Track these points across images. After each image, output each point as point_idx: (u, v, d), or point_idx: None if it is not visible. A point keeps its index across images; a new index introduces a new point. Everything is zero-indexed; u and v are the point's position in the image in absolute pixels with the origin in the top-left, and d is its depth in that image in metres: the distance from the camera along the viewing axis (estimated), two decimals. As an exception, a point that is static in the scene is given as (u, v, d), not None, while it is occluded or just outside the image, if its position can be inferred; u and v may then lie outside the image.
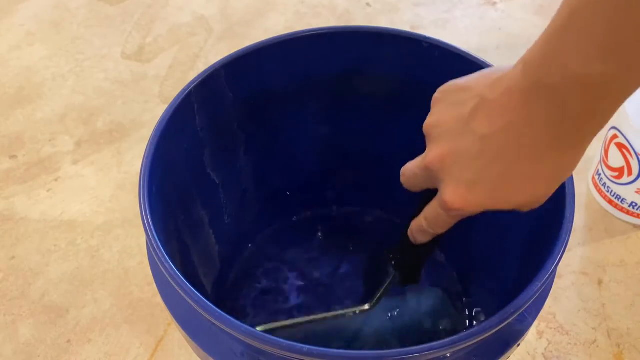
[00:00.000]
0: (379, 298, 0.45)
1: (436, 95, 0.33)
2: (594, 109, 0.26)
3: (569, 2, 0.25)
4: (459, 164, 0.31)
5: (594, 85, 0.25)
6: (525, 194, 0.30)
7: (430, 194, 0.35)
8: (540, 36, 0.27)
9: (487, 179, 0.30)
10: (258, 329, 0.45)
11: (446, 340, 0.30)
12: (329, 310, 0.49)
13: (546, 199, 0.31)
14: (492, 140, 0.29)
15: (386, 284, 0.44)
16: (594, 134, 0.28)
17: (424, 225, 0.36)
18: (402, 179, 0.37)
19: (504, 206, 0.31)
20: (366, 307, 0.46)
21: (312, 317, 0.47)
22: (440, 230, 0.36)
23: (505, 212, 0.31)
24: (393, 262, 0.43)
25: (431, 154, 0.32)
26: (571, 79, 0.25)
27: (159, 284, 0.40)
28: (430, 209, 0.35)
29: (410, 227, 0.38)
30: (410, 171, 0.35)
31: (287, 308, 0.54)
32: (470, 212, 0.32)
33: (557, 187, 0.30)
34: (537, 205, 0.31)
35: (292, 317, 0.54)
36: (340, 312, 0.46)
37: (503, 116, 0.28)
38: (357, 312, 0.46)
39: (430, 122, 0.33)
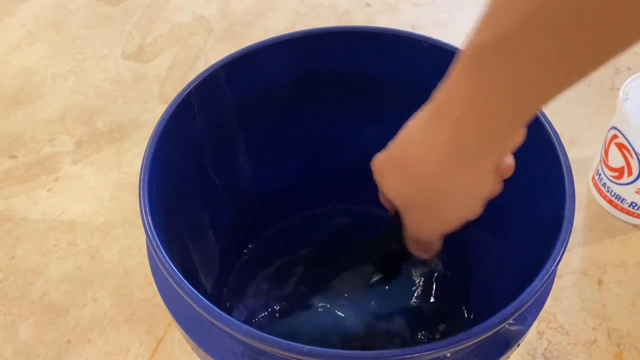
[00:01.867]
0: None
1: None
2: (491, 95, 0.27)
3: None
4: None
5: (483, 55, 0.26)
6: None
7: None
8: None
9: (390, 149, 0.34)
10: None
11: (446, 340, 0.30)
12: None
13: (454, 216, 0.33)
14: (409, 124, 0.33)
15: (370, 282, 0.47)
16: (493, 140, 0.29)
17: (414, 237, 0.38)
18: (380, 197, 0.39)
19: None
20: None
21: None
22: (426, 235, 0.37)
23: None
24: (375, 261, 0.45)
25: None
26: (467, 51, 0.27)
27: (159, 284, 0.40)
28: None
29: (410, 247, 0.39)
30: (381, 194, 0.38)
31: (287, 308, 0.54)
32: (375, 175, 0.35)
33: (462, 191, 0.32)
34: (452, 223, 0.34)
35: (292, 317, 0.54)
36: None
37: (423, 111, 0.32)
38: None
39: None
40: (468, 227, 0.36)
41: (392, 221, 0.38)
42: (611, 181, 0.64)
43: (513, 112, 0.27)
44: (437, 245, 0.38)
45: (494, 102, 0.27)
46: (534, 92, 0.27)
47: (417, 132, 0.31)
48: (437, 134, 0.30)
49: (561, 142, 0.39)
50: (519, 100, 0.27)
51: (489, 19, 0.26)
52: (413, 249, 0.39)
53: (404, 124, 0.33)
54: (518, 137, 0.31)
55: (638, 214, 0.64)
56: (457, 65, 0.28)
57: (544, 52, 0.24)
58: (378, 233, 0.43)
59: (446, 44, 0.45)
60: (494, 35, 0.25)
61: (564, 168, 0.38)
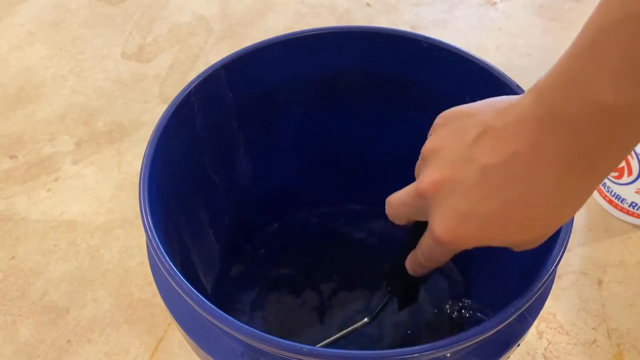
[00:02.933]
0: (377, 313, 0.45)
1: (438, 120, 0.31)
2: (611, 142, 0.24)
3: (589, 28, 0.24)
4: (454, 193, 0.28)
5: (614, 115, 0.23)
6: (522, 234, 0.28)
7: (418, 227, 0.34)
8: (556, 63, 0.25)
9: (482, 213, 0.28)
10: None
11: (446, 340, 0.30)
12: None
13: (542, 240, 0.29)
14: (493, 171, 0.27)
15: (383, 303, 0.44)
16: (607, 172, 0.26)
17: (421, 260, 0.34)
18: (388, 209, 0.34)
19: (496, 244, 0.29)
20: (366, 319, 0.46)
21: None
22: (437, 264, 0.34)
23: (499, 248, 0.29)
24: (389, 287, 0.42)
25: (426, 180, 0.30)
26: (590, 107, 0.24)
27: (159, 284, 0.40)
28: (424, 243, 0.33)
29: (408, 260, 0.37)
30: (399, 200, 0.33)
31: (286, 307, 0.54)
32: (462, 247, 0.30)
33: (555, 229, 0.28)
34: (532, 247, 0.29)
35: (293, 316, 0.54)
36: (343, 332, 0.47)
37: (509, 146, 0.26)
38: (358, 327, 0.46)
39: (429, 147, 0.31)
40: None
41: (412, 231, 0.35)
42: (611, 181, 0.64)
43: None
44: (441, 261, 0.35)
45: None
46: None
47: (546, 188, 0.26)
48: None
49: (561, 142, 0.39)
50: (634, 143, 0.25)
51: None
52: (412, 259, 0.36)
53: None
54: None
55: (638, 214, 0.64)
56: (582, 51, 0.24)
57: None
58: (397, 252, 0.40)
59: (446, 44, 0.45)
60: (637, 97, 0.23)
61: (564, 168, 0.38)
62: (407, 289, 0.41)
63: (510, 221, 0.27)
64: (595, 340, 0.57)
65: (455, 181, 0.28)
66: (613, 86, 0.23)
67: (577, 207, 0.28)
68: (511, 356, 0.40)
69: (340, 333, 0.47)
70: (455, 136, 0.29)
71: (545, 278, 0.33)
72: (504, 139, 0.27)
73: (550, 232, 0.29)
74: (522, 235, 0.28)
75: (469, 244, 0.29)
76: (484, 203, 0.27)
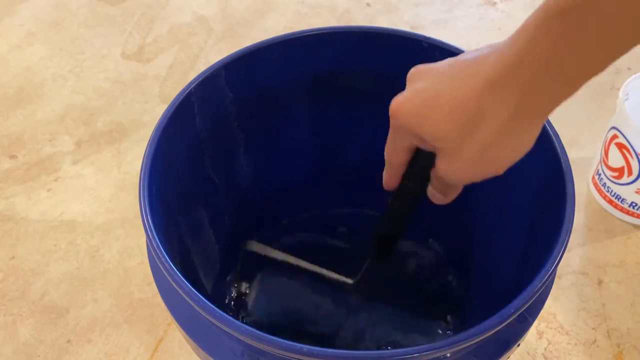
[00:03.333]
0: (363, 275, 0.47)
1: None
2: (564, 57, 0.27)
3: None
4: (421, 73, 0.33)
5: (568, 18, 0.26)
6: (447, 123, 0.31)
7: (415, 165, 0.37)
8: None
9: (421, 93, 0.32)
10: (250, 246, 0.53)
11: (446, 340, 0.30)
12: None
13: (466, 149, 0.31)
14: (460, 60, 0.31)
15: (366, 264, 0.47)
16: (555, 96, 0.29)
17: (435, 183, 0.37)
18: (386, 158, 0.38)
19: (426, 130, 0.32)
20: (350, 281, 0.49)
21: (304, 264, 0.50)
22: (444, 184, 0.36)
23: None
24: (372, 241, 0.45)
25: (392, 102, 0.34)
26: (546, 12, 0.27)
27: (159, 284, 0.40)
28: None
29: (430, 193, 0.38)
30: (387, 144, 0.37)
31: (287, 307, 0.54)
32: (401, 122, 0.33)
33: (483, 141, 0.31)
34: (459, 157, 0.32)
35: (293, 315, 0.54)
36: (329, 274, 0.50)
37: (483, 49, 0.31)
38: (343, 282, 0.49)
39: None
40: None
41: (417, 161, 0.37)
42: (611, 181, 0.64)
43: (589, 68, 0.28)
44: (459, 191, 0.37)
45: (573, 60, 0.27)
46: (614, 47, 0.27)
47: (478, 83, 0.30)
48: (508, 91, 0.29)
49: (561, 142, 0.39)
50: (598, 56, 0.27)
51: None
52: (435, 191, 0.38)
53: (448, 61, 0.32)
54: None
55: (638, 214, 0.64)
56: (529, 27, 0.28)
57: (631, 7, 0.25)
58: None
59: (446, 44, 0.45)
60: None
61: (564, 168, 0.38)
62: (384, 242, 0.44)
63: (439, 101, 0.31)
64: (595, 340, 0.57)
65: (423, 70, 0.33)
66: None
67: (505, 124, 0.30)
68: (511, 356, 0.40)
69: (325, 272, 0.50)
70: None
71: (545, 278, 0.33)
72: (475, 50, 0.31)
73: (473, 140, 0.31)
74: (447, 125, 0.31)
75: (405, 119, 0.32)
76: (426, 89, 0.32)
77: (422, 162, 0.36)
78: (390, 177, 0.38)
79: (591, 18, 0.26)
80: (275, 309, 0.55)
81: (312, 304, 0.54)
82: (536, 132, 0.31)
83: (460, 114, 0.30)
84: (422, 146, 0.34)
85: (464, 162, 0.32)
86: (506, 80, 0.29)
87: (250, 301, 0.55)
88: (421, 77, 0.33)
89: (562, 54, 0.27)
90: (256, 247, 0.54)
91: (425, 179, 0.37)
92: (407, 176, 0.38)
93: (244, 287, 0.56)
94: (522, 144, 0.31)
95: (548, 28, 0.27)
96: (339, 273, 0.52)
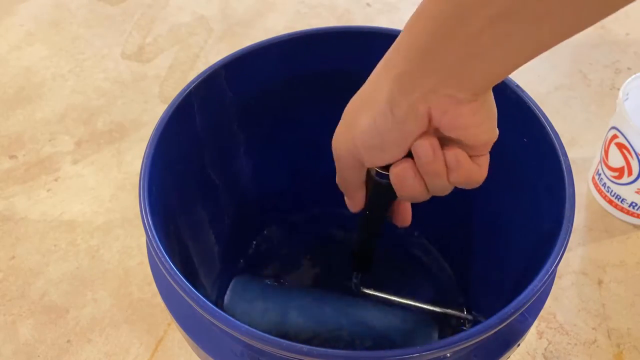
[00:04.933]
0: (357, 283, 0.50)
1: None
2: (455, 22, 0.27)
3: None
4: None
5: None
6: (363, 132, 0.33)
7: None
8: None
9: (344, 116, 0.35)
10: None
11: (446, 340, 0.30)
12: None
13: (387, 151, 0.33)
14: (359, 94, 0.34)
15: (354, 278, 0.50)
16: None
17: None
18: (340, 187, 0.39)
19: (355, 149, 0.34)
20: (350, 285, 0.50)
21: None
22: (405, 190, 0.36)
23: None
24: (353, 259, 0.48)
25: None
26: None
27: (159, 284, 0.40)
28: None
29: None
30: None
31: (286, 307, 0.54)
32: (339, 152, 0.35)
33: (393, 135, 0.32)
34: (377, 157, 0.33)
35: (292, 317, 0.54)
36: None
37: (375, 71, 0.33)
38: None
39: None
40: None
41: (372, 184, 0.37)
42: (611, 181, 0.64)
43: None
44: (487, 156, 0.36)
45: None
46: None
47: (368, 87, 0.33)
48: (383, 80, 0.31)
49: (561, 142, 0.39)
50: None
51: None
52: (472, 168, 0.36)
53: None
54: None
55: (638, 214, 0.64)
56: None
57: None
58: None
59: (446, 44, 0.45)
60: None
61: (564, 168, 0.38)
62: (359, 257, 0.47)
63: (355, 106, 0.34)
64: (595, 340, 0.57)
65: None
66: None
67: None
68: (511, 356, 0.40)
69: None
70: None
71: (545, 278, 0.33)
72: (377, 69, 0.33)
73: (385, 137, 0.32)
74: (365, 117, 0.32)
75: (341, 148, 0.35)
76: (347, 111, 0.35)
77: (376, 187, 0.37)
78: (352, 205, 0.40)
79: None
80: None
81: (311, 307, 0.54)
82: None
83: (370, 105, 0.33)
84: (365, 161, 0.35)
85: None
86: (387, 64, 0.32)
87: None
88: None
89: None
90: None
91: (384, 201, 0.39)
92: (367, 201, 0.39)
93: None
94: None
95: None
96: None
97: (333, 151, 0.36)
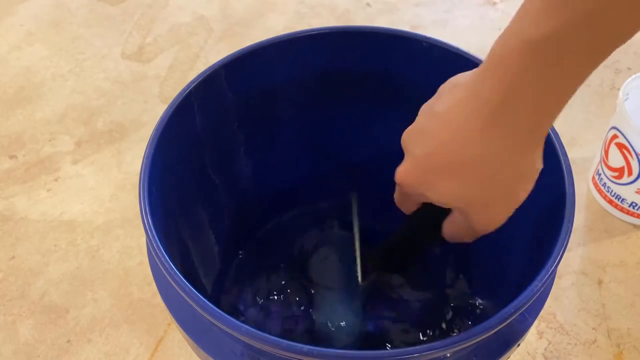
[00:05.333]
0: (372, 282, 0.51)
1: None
2: (549, 81, 0.26)
3: None
4: (412, 139, 0.32)
5: (536, 48, 0.25)
6: (451, 181, 0.30)
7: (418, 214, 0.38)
8: None
9: (418, 155, 0.31)
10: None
11: (446, 340, 0.30)
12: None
13: (479, 210, 0.32)
14: (440, 114, 0.30)
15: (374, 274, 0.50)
16: (548, 117, 0.28)
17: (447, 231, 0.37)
18: (397, 202, 0.38)
19: (435, 193, 0.31)
20: (359, 280, 0.51)
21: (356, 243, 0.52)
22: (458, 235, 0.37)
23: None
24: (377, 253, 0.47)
25: (398, 171, 0.34)
26: (515, 42, 0.26)
27: (159, 284, 0.40)
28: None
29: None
30: (395, 196, 0.37)
31: (286, 307, 0.54)
32: (408, 190, 0.33)
33: (490, 191, 0.31)
34: (471, 214, 0.32)
35: (292, 317, 0.54)
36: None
37: (456, 94, 0.30)
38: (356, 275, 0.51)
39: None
40: None
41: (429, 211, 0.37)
42: (611, 181, 0.64)
43: (570, 89, 0.28)
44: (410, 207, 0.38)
45: (556, 87, 0.27)
46: (585, 74, 0.27)
47: (472, 134, 0.29)
48: (498, 135, 0.28)
49: (561, 142, 0.39)
50: (573, 83, 0.27)
51: (550, 9, 0.25)
52: (467, 239, 0.37)
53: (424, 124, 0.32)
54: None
55: (638, 214, 0.64)
56: (505, 61, 0.27)
57: (605, 39, 0.25)
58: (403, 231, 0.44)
59: (446, 44, 0.45)
60: (558, 26, 0.25)
61: (564, 168, 0.38)
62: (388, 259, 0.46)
63: (440, 163, 0.30)
64: (595, 340, 0.57)
65: (415, 130, 0.33)
66: (534, 22, 0.25)
67: (513, 162, 0.30)
68: (511, 356, 0.40)
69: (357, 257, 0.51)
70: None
71: (545, 278, 0.33)
72: (453, 90, 0.30)
73: (482, 194, 0.31)
74: (451, 183, 0.30)
75: (414, 189, 0.32)
76: (422, 154, 0.31)
77: (431, 212, 0.37)
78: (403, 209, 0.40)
79: (570, 44, 0.25)
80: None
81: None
82: (539, 152, 0.31)
83: (463, 171, 0.30)
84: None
85: (494, 211, 0.32)
86: (493, 123, 0.28)
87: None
88: (413, 141, 0.32)
89: (546, 85, 0.27)
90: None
91: (436, 226, 0.38)
92: (417, 223, 0.39)
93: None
94: (531, 171, 0.31)
95: (529, 59, 0.26)
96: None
97: (405, 189, 0.34)
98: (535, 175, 0.32)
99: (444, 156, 0.30)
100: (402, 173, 0.33)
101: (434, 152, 0.30)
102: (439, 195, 0.31)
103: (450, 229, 0.37)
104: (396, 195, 0.37)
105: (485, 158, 0.29)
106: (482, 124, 0.28)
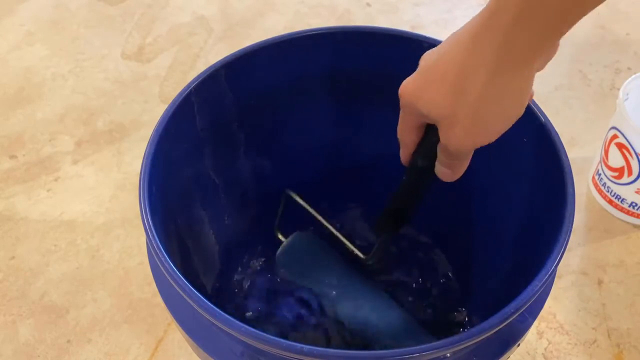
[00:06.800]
0: (374, 253, 0.52)
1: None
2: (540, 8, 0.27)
3: None
4: (424, 56, 0.34)
5: None
6: (444, 91, 0.32)
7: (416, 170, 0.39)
8: None
9: (423, 68, 0.33)
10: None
11: (446, 340, 0.30)
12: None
13: (467, 125, 0.32)
14: (453, 34, 0.32)
15: (377, 243, 0.51)
16: (538, 33, 0.28)
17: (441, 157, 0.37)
18: (399, 138, 0.39)
19: (431, 104, 0.33)
20: (362, 256, 0.54)
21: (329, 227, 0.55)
22: (452, 155, 0.36)
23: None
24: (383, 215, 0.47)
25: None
26: None
27: (159, 284, 0.40)
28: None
29: (438, 170, 0.38)
30: (399, 125, 0.38)
31: (286, 306, 0.54)
32: (408, 100, 0.34)
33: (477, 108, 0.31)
34: (458, 126, 0.32)
35: (293, 317, 0.54)
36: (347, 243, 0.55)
37: (455, 36, 0.32)
38: (356, 254, 0.54)
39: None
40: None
41: (426, 138, 0.38)
42: (611, 181, 0.64)
43: (564, 11, 0.28)
44: (467, 163, 0.37)
45: (548, 6, 0.27)
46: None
47: (463, 44, 0.31)
48: (486, 43, 0.30)
49: (561, 142, 0.39)
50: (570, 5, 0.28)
51: None
52: (442, 167, 0.38)
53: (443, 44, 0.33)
54: (555, 47, 0.31)
55: (638, 214, 0.64)
56: None
57: None
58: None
59: (446, 44, 0.45)
60: None
61: (564, 168, 0.38)
62: (392, 217, 0.46)
63: (436, 74, 0.32)
64: (595, 340, 0.57)
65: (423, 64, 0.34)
66: None
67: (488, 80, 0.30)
68: (511, 356, 0.40)
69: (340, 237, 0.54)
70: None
71: (545, 278, 0.33)
72: (456, 35, 0.32)
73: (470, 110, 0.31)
74: (439, 91, 0.32)
75: (408, 98, 0.34)
76: (425, 66, 0.33)
77: (430, 138, 0.37)
78: (404, 155, 0.40)
79: None
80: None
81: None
82: (523, 88, 0.32)
83: (448, 80, 0.31)
84: (428, 121, 0.35)
85: (460, 128, 0.32)
86: (484, 33, 0.30)
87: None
88: (425, 57, 0.34)
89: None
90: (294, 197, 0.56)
91: (434, 155, 0.38)
92: (416, 152, 0.39)
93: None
94: (511, 104, 0.32)
95: None
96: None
97: (402, 99, 0.35)
98: (525, 100, 0.32)
99: (439, 66, 0.32)
100: (404, 83, 0.34)
101: (434, 64, 0.32)
102: (427, 104, 0.33)
103: (440, 158, 0.37)
104: (398, 125, 0.38)
105: (475, 68, 0.30)
106: (474, 35, 0.30)
